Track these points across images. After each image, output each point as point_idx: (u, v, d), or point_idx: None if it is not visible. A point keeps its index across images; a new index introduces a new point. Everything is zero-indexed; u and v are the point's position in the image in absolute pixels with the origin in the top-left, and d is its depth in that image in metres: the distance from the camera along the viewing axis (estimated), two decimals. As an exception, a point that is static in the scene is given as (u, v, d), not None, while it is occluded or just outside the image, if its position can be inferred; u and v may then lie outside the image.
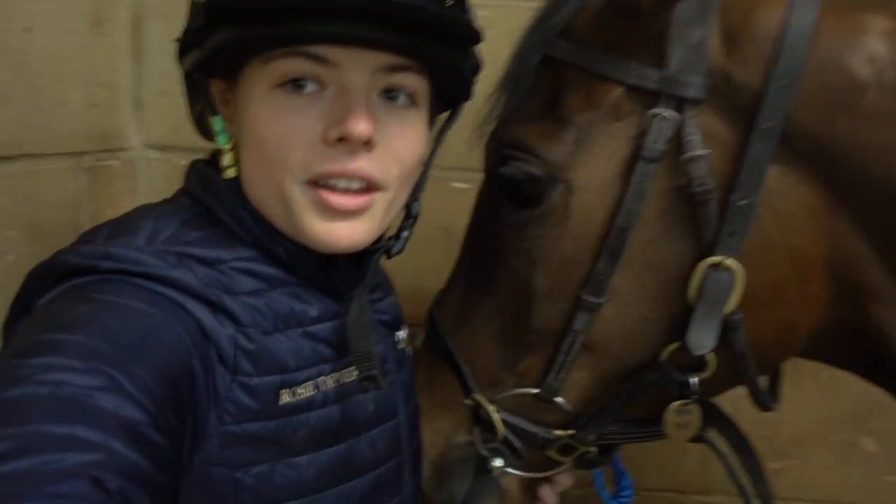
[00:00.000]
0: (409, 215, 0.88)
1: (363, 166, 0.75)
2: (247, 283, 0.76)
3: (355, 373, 0.80)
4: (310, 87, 0.74)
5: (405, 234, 0.87)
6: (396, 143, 0.77)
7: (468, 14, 0.80)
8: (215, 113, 0.79)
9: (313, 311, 0.80)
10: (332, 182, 0.75)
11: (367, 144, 0.74)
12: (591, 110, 0.88)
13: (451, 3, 0.75)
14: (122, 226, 0.77)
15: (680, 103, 0.84)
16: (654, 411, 0.93)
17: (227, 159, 0.79)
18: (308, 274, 0.80)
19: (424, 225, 1.40)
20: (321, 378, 0.79)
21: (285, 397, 0.75)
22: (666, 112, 0.84)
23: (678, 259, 0.86)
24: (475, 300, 0.97)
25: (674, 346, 0.87)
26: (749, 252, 0.85)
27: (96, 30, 1.31)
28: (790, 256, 0.86)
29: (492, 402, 0.94)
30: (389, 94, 0.77)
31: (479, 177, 1.03)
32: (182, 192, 0.84)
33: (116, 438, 0.57)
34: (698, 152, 0.83)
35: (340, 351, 0.81)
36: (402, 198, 0.83)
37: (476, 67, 0.85)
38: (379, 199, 0.78)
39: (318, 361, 0.79)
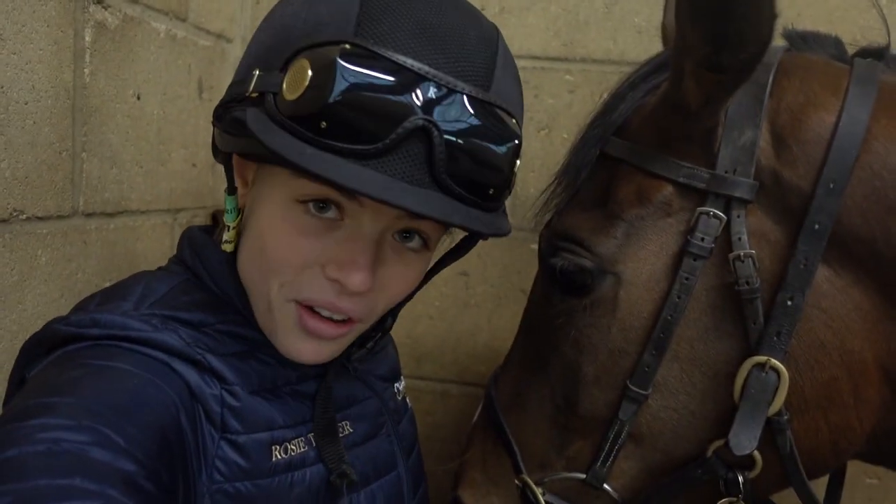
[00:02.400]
0: (381, 329, 0.89)
1: (351, 307, 0.76)
2: (232, 345, 0.78)
3: (349, 427, 0.83)
4: (330, 213, 0.74)
5: (369, 345, 0.88)
6: (392, 284, 0.77)
7: (507, 192, 0.77)
8: (232, 192, 0.81)
9: (296, 372, 0.82)
10: (317, 307, 0.76)
11: (361, 294, 0.74)
12: (642, 206, 0.89)
13: (493, 192, 0.72)
14: (113, 292, 0.80)
15: (728, 202, 0.85)
16: None
17: (229, 236, 0.82)
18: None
19: (503, 284, 1.39)
20: (312, 434, 0.80)
21: (277, 454, 0.76)
22: (714, 210, 0.85)
23: (724, 356, 0.86)
24: (529, 381, 0.99)
25: (720, 442, 0.86)
26: (798, 353, 0.84)
27: (200, 95, 1.40)
28: (842, 359, 0.84)
29: (539, 483, 0.95)
30: (404, 234, 0.77)
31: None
32: (175, 260, 0.87)
33: (113, 487, 0.59)
34: (745, 251, 0.83)
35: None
36: (379, 316, 0.82)
37: (506, 229, 0.79)
38: (355, 329, 0.80)
39: (308, 419, 0.80)
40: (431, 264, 0.87)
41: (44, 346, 0.75)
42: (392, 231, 0.76)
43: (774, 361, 0.83)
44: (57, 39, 1.01)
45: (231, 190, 0.82)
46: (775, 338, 0.83)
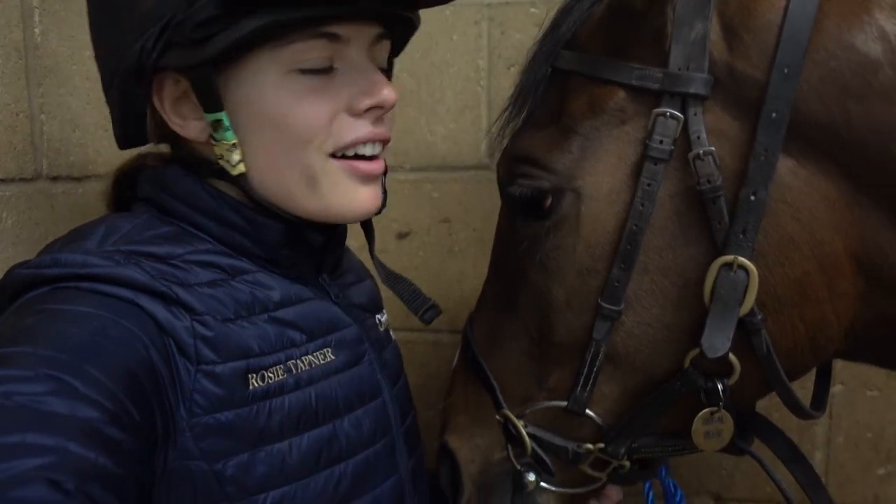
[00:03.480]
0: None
1: (384, 130, 0.82)
2: (203, 275, 0.76)
3: (330, 354, 0.82)
4: (324, 65, 0.77)
5: (384, 189, 0.90)
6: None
7: None
8: (219, 108, 0.76)
9: (276, 296, 0.80)
10: (360, 150, 0.80)
11: (389, 110, 0.81)
12: (595, 116, 0.87)
13: None
14: (76, 233, 0.78)
15: (684, 100, 0.82)
16: (685, 422, 0.89)
17: (238, 154, 0.78)
18: (274, 246, 0.81)
19: (486, 229, 1.37)
20: (291, 362, 0.78)
21: (254, 382, 0.75)
22: (670, 110, 0.82)
23: (693, 261, 0.84)
24: (503, 317, 0.97)
25: (695, 351, 0.84)
26: (767, 250, 0.81)
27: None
28: (813, 252, 0.82)
29: (520, 416, 0.93)
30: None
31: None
32: (137, 203, 0.85)
33: (71, 440, 0.57)
34: (704, 149, 0.81)
35: (310, 334, 0.81)
36: None
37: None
38: (384, 164, 0.85)
39: (287, 345, 0.79)
40: None
41: (7, 293, 0.73)
42: (374, 63, 0.81)
43: (742, 259, 0.80)
44: (1, -2, 0.99)
45: (218, 105, 0.76)
46: (741, 235, 0.80)
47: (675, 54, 0.82)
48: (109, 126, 1.22)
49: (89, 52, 1.17)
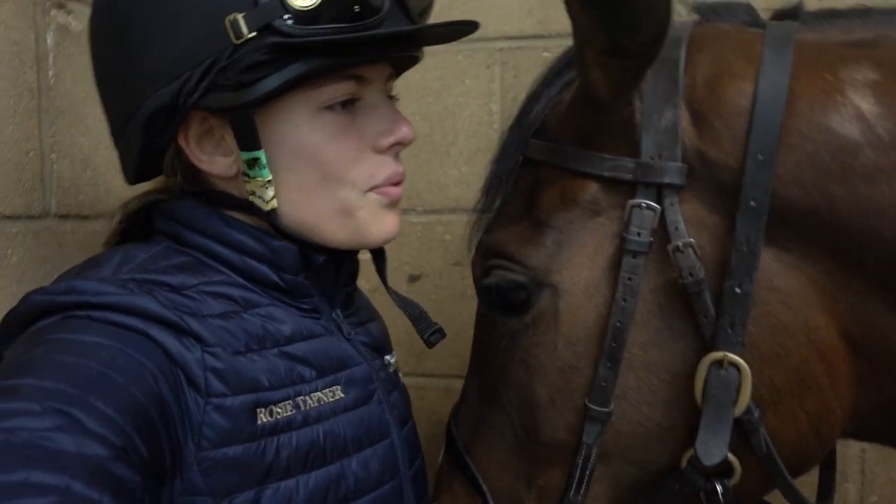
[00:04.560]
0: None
1: (402, 166, 0.87)
2: (216, 306, 0.76)
3: (339, 392, 0.81)
4: (350, 102, 0.82)
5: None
6: None
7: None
8: (258, 147, 0.78)
9: (287, 330, 0.80)
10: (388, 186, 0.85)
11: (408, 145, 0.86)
12: (568, 209, 0.84)
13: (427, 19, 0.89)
14: (92, 261, 0.79)
15: (659, 191, 0.79)
16: None
17: (271, 191, 0.80)
18: (293, 272, 0.82)
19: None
20: (300, 398, 0.77)
21: (262, 417, 0.73)
22: (645, 202, 0.79)
23: (681, 357, 0.80)
24: (487, 413, 0.93)
25: (691, 451, 0.79)
26: (760, 341, 0.77)
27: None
28: (809, 338, 0.77)
29: None
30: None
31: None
32: (153, 235, 0.86)
33: (76, 478, 0.56)
34: (684, 240, 0.77)
35: (320, 370, 0.80)
36: None
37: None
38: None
39: (297, 381, 0.78)
40: None
41: (20, 320, 0.73)
42: None
43: (732, 356, 0.76)
44: (16, 41, 1.01)
45: (256, 144, 0.78)
46: (729, 330, 0.76)
47: (646, 143, 0.79)
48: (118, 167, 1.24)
49: (103, 94, 1.19)
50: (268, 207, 0.80)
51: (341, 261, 0.88)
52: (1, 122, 0.98)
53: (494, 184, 0.93)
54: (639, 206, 0.79)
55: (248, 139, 0.78)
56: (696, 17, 0.91)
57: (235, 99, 0.75)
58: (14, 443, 0.56)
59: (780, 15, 0.87)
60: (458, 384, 1.51)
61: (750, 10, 0.90)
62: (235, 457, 0.71)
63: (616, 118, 0.81)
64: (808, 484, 0.88)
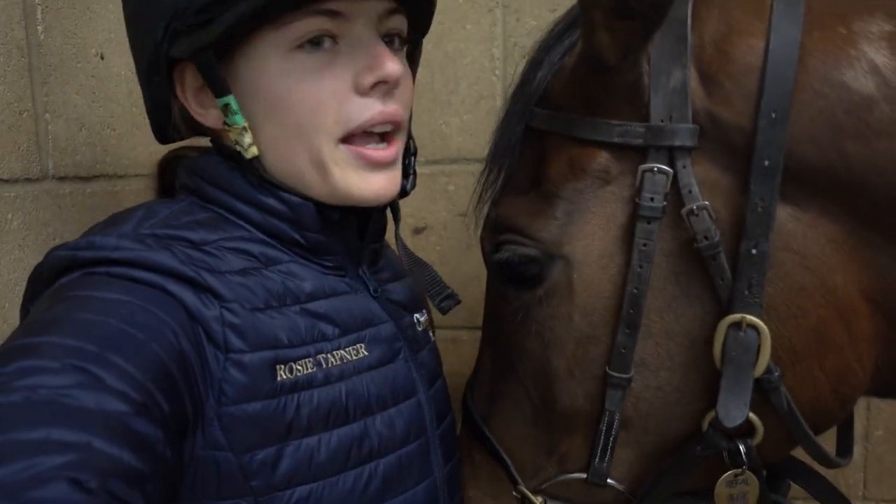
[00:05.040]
0: (410, 153, 0.89)
1: (396, 108, 0.79)
2: (236, 262, 0.75)
3: (363, 350, 0.80)
4: (327, 44, 0.76)
5: (412, 171, 0.89)
6: (402, 85, 0.80)
7: None
8: (226, 92, 0.77)
9: (308, 287, 0.79)
10: (369, 130, 0.78)
11: (396, 85, 0.78)
12: (577, 178, 0.82)
13: None
14: (117, 217, 0.78)
15: (671, 153, 0.77)
16: (710, 482, 0.84)
17: (249, 137, 0.78)
18: (313, 229, 0.80)
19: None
20: (321, 356, 0.76)
21: (282, 374, 0.73)
22: (657, 165, 0.77)
23: (698, 322, 0.79)
24: (502, 385, 0.92)
25: (712, 413, 0.79)
26: (778, 302, 0.77)
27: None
28: (827, 299, 0.77)
29: (538, 491, 0.88)
30: (386, 39, 0.80)
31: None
32: (178, 190, 0.86)
33: (97, 435, 0.56)
34: (698, 203, 0.76)
35: (343, 328, 0.79)
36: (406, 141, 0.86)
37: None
38: (400, 146, 0.82)
39: (318, 339, 0.77)
40: None
41: (44, 276, 0.73)
42: (380, 37, 0.79)
43: (750, 318, 0.75)
44: (2, -6, 0.97)
45: (225, 89, 0.77)
46: (746, 292, 0.75)
47: (655, 106, 0.77)
48: (117, 125, 1.21)
49: (94, 50, 1.15)
50: (248, 155, 0.78)
51: (368, 216, 0.86)
52: (-8, 82, 0.95)
53: (499, 155, 0.91)
54: (651, 170, 0.77)
55: (216, 85, 0.77)
56: None
57: (195, 43, 0.74)
58: (35, 400, 0.56)
59: None
60: (466, 335, 1.52)
61: None
62: (255, 413, 0.70)
63: (623, 81, 0.79)
64: (825, 439, 0.88)
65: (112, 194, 1.19)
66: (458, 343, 1.53)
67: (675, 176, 0.77)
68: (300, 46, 0.75)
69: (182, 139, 0.90)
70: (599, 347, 0.82)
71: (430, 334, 0.98)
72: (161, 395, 0.62)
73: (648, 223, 0.78)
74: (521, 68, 1.41)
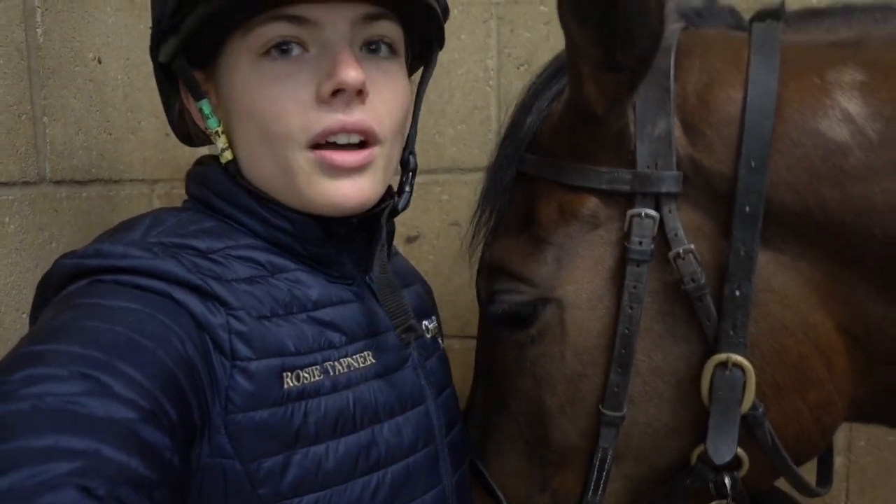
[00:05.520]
0: (408, 170, 0.88)
1: (361, 118, 0.76)
2: (242, 270, 0.75)
3: (370, 358, 0.80)
4: (295, 51, 0.75)
5: (407, 188, 0.87)
6: (385, 94, 0.78)
7: None
8: (201, 97, 0.79)
9: (314, 294, 0.78)
10: (333, 140, 0.76)
11: (360, 94, 0.75)
12: (567, 224, 0.85)
13: None
14: (123, 224, 0.78)
15: (657, 199, 0.80)
16: None
17: (221, 142, 0.80)
18: (317, 244, 0.80)
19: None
20: (328, 363, 0.76)
21: (289, 381, 0.72)
22: (644, 210, 0.80)
23: (685, 361, 0.82)
24: (496, 421, 0.94)
25: (701, 447, 0.82)
26: (761, 340, 0.80)
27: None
28: (807, 335, 0.80)
29: None
30: (370, 46, 0.78)
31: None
32: (186, 198, 0.87)
33: (105, 442, 0.56)
34: (684, 247, 0.79)
35: (350, 336, 0.79)
36: (397, 154, 0.83)
37: (446, 9, 0.84)
38: (378, 154, 0.79)
39: (325, 346, 0.77)
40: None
41: (52, 284, 0.72)
42: (358, 44, 0.77)
43: (736, 357, 0.78)
44: (2, -4, 0.96)
45: (199, 94, 0.79)
46: (731, 332, 0.78)
47: (641, 153, 0.80)
48: (113, 129, 1.20)
49: (92, 54, 1.15)
50: (223, 159, 0.80)
51: (375, 224, 0.85)
52: (-8, 84, 0.94)
53: (491, 198, 0.93)
54: (639, 215, 0.80)
55: (192, 89, 0.79)
56: (681, 22, 0.89)
57: (170, 48, 0.76)
58: (42, 408, 0.56)
59: (763, 15, 0.87)
60: (458, 344, 1.52)
61: (733, 13, 0.90)
62: (262, 421, 0.70)
63: (610, 130, 0.82)
64: (806, 469, 0.91)
65: (107, 199, 1.18)
66: (450, 352, 1.52)
67: (661, 220, 0.80)
68: (267, 53, 0.75)
69: (202, 144, 0.92)
70: (589, 385, 0.84)
71: (439, 342, 0.97)
72: (169, 402, 0.62)
73: (638, 266, 0.80)
74: (514, 80, 1.43)
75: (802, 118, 0.77)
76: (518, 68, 1.44)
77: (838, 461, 1.44)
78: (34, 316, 0.74)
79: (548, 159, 0.87)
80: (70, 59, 1.09)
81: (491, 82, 1.46)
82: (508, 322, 0.88)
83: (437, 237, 1.50)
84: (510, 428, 0.91)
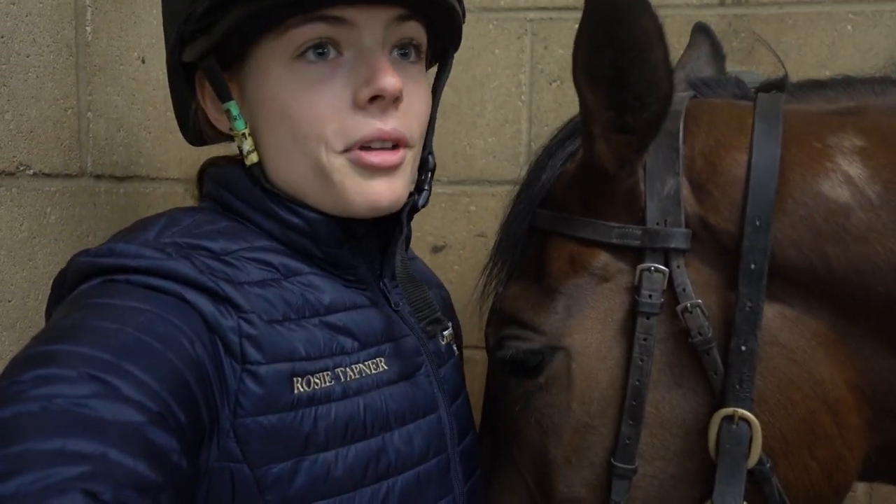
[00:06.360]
0: (427, 168, 0.88)
1: (396, 126, 0.77)
2: (255, 273, 0.75)
3: (383, 364, 0.79)
4: (331, 54, 0.75)
5: (426, 187, 0.88)
6: (413, 99, 0.79)
7: None
8: (228, 97, 0.78)
9: (327, 299, 0.78)
10: (366, 146, 0.76)
11: (397, 101, 0.76)
12: (578, 275, 0.87)
13: None
14: (139, 223, 0.78)
15: (666, 255, 0.82)
16: None
17: (249, 144, 0.80)
18: (335, 245, 0.80)
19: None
20: (339, 369, 0.76)
21: (299, 387, 0.72)
22: (654, 265, 0.82)
23: (692, 413, 0.83)
24: (499, 471, 0.95)
25: (708, 502, 0.81)
26: (768, 395, 0.80)
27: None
28: (815, 390, 0.81)
29: None
30: (402, 50, 0.79)
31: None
32: (203, 198, 0.87)
33: (112, 446, 0.55)
34: (692, 301, 0.81)
35: (363, 342, 0.79)
36: (419, 154, 0.85)
37: (464, 12, 0.85)
38: (408, 156, 0.80)
39: (337, 352, 0.76)
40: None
41: (67, 282, 0.72)
42: (390, 46, 0.78)
43: (742, 412, 0.79)
44: (56, -7, 0.99)
45: (227, 95, 0.79)
46: (738, 386, 0.79)
47: (651, 210, 0.83)
48: (153, 127, 1.23)
49: (137, 53, 1.18)
50: (248, 162, 0.79)
51: (391, 228, 0.85)
52: (41, 79, 0.96)
53: (503, 249, 0.96)
54: (648, 269, 0.82)
55: (219, 90, 0.79)
56: (690, 91, 0.94)
57: (198, 48, 0.76)
58: (51, 410, 0.55)
59: (767, 87, 0.91)
60: (480, 355, 1.52)
61: (739, 83, 0.95)
62: (271, 426, 0.69)
63: (620, 188, 0.84)
64: None
65: (143, 196, 1.20)
66: (471, 363, 1.53)
67: (670, 275, 0.82)
68: (302, 55, 0.75)
69: (213, 143, 0.92)
70: (594, 436, 0.85)
71: (454, 349, 0.97)
72: (177, 405, 0.62)
73: (647, 318, 0.82)
74: (546, 95, 1.45)
75: (804, 180, 0.80)
76: (550, 84, 1.46)
77: (861, 488, 1.43)
78: (49, 312, 0.75)
79: (561, 214, 0.90)
80: (115, 58, 1.12)
81: (523, 97, 1.48)
82: (516, 371, 0.89)
83: (464, 247, 1.52)
84: (514, 481, 0.92)
